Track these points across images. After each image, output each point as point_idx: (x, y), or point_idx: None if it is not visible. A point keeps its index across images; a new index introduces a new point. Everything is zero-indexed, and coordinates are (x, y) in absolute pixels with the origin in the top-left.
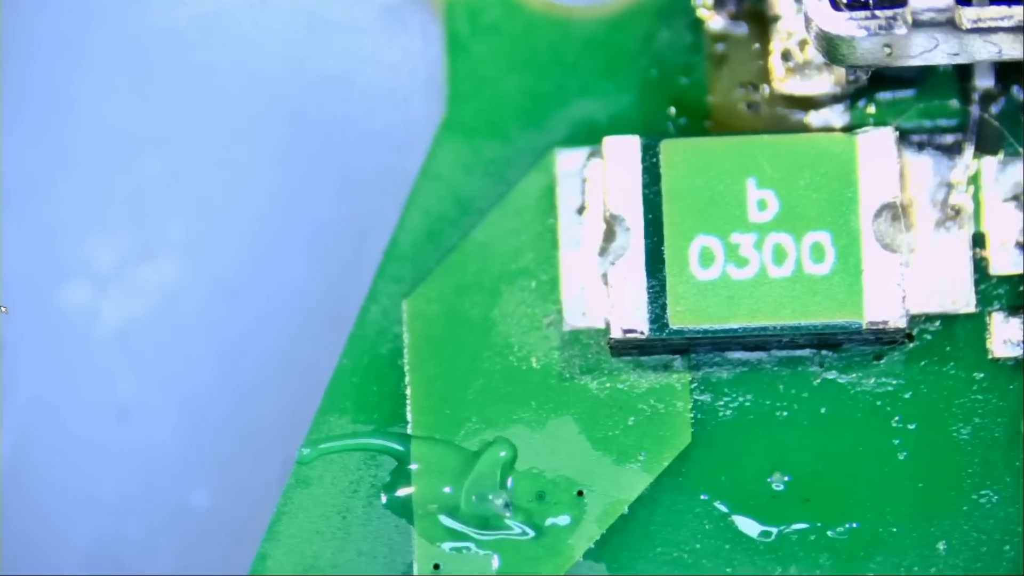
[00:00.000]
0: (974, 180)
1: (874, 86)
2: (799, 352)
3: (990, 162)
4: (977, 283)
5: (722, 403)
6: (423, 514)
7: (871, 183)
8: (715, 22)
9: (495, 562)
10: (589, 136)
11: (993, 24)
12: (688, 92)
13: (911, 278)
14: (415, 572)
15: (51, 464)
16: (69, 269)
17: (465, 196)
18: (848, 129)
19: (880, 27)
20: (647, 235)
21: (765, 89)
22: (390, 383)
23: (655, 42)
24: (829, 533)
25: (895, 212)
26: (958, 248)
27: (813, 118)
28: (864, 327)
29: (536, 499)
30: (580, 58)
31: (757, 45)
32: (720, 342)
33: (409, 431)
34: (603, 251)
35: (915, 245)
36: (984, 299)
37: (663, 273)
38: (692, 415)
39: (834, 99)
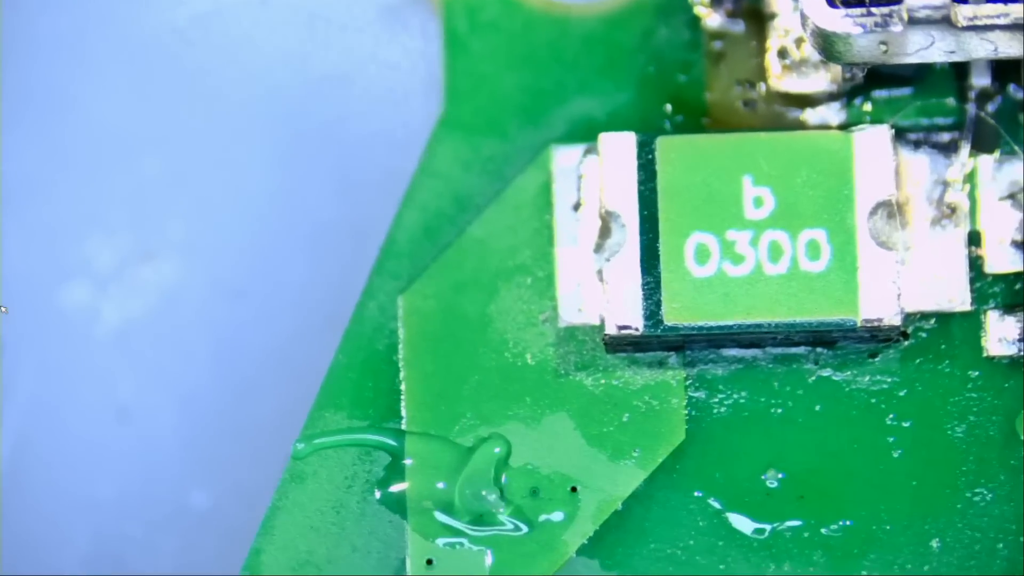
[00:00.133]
0: (970, 178)
1: (870, 84)
2: (794, 349)
3: (986, 160)
4: (973, 281)
5: (717, 400)
6: (417, 510)
7: (867, 181)
8: (712, 20)
9: (488, 558)
10: (587, 133)
11: (989, 21)
12: (686, 89)
13: (907, 276)
14: (408, 567)
15: (51, 464)
16: (69, 269)
17: (463, 193)
18: (844, 127)
19: (876, 24)
20: (643, 232)
21: (762, 86)
22: (385, 379)
23: (653, 39)
24: (823, 531)
25: (891, 210)
26: (954, 246)
27: (809, 116)
28: (859, 325)
29: (530, 495)
30: (578, 55)
31: (754, 43)
32: (715, 339)
33: (404, 427)
34: (599, 248)
35: (911, 243)
36: (980, 297)
37: (658, 270)
38: (687, 412)
39: (830, 97)
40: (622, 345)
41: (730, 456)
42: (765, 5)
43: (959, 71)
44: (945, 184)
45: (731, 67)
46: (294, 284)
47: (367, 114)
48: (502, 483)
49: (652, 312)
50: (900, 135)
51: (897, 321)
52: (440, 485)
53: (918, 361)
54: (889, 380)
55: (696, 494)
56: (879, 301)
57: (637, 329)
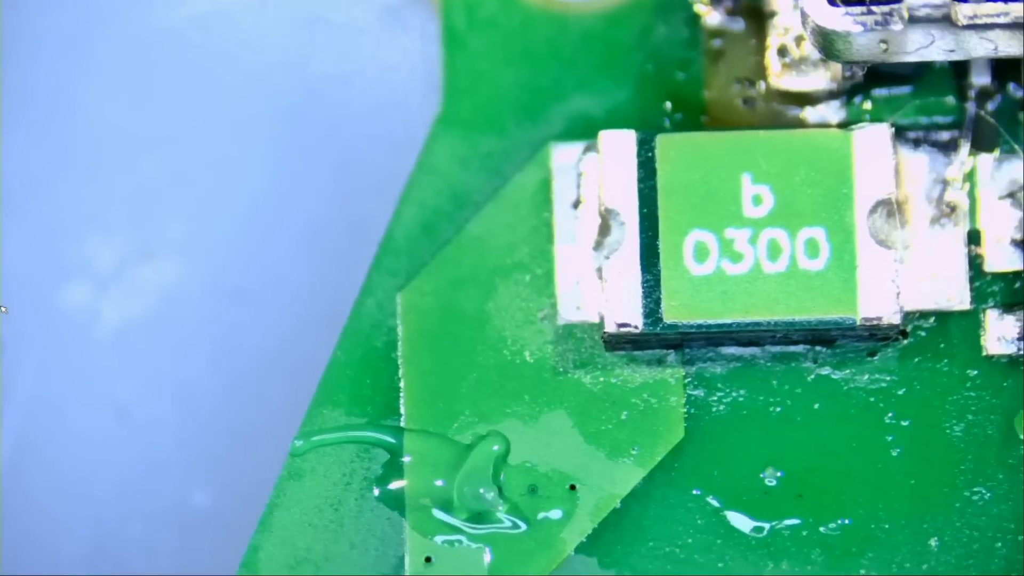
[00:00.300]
0: (970, 177)
1: (870, 82)
2: (793, 348)
3: (986, 159)
4: (972, 280)
5: (715, 398)
6: (415, 507)
7: (866, 179)
8: (712, 18)
9: (487, 556)
10: (586, 130)
11: (989, 20)
12: (684, 87)
13: (906, 275)
14: (407, 565)
15: (51, 464)
16: (69, 269)
17: (461, 190)
18: (844, 125)
19: (876, 23)
20: (642, 229)
21: (761, 85)
22: (384, 376)
23: (652, 37)
24: (821, 529)
25: (890, 208)
26: (953, 245)
27: (809, 114)
28: (858, 323)
29: (528, 493)
30: (577, 53)
31: (754, 41)
32: (714, 337)
33: (402, 424)
34: (598, 245)
35: (910, 242)
36: (979, 296)
37: (658, 268)
38: (685, 410)
39: (830, 95)
40: (621, 343)
41: (729, 454)
42: (765, 3)
43: (959, 70)
44: (944, 183)
45: (730, 65)
46: (293, 283)
47: (366, 115)
48: (500, 481)
49: (651, 310)
50: (900, 133)
51: (896, 320)
52: (438, 483)
53: (917, 360)
54: (888, 379)
55: (695, 492)
56: (878, 300)
57: (636, 327)
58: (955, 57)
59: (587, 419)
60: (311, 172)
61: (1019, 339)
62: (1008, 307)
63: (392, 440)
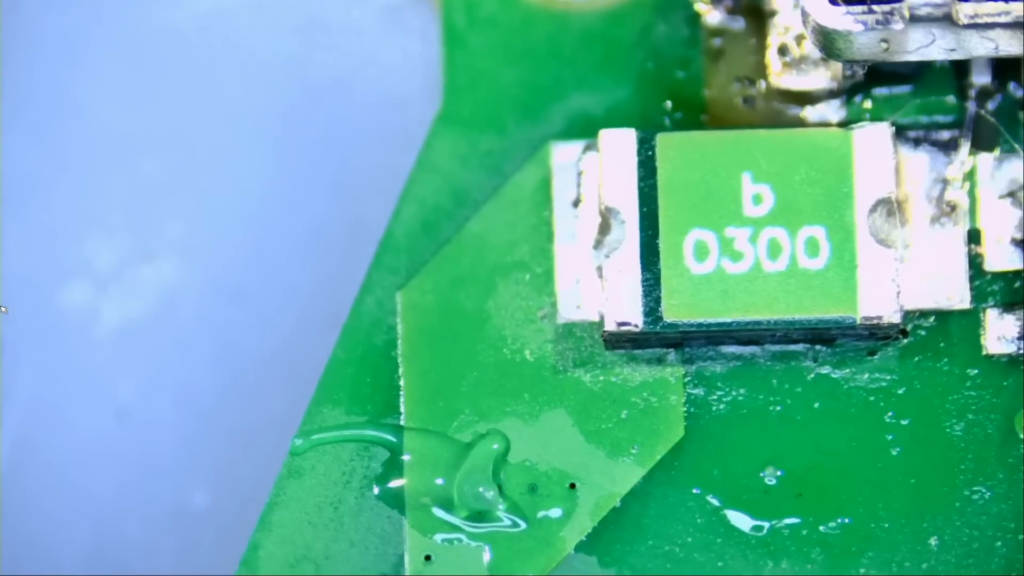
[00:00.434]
0: (970, 176)
1: (870, 81)
2: (793, 347)
3: (986, 158)
4: (972, 279)
5: (715, 397)
6: (415, 505)
7: (867, 178)
8: (712, 16)
9: (486, 554)
10: (586, 129)
11: (990, 20)
12: (685, 86)
13: (906, 274)
14: (407, 563)
15: (51, 464)
16: (69, 269)
17: (461, 188)
18: (844, 124)
19: (877, 22)
20: (642, 228)
21: (761, 84)
22: (384, 374)
23: (652, 36)
24: (821, 528)
25: (890, 208)
26: (953, 244)
27: (809, 113)
28: (858, 322)
29: (528, 491)
30: (577, 51)
31: (754, 40)
32: (714, 336)
33: (402, 422)
34: (598, 244)
35: (910, 241)
36: (979, 295)
37: (658, 266)
38: (685, 409)
39: (830, 94)
40: (621, 342)
41: (728, 453)
42: (765, 2)
43: (959, 69)
44: (945, 182)
45: (731, 64)
46: (293, 282)
47: (367, 116)
48: (500, 479)
49: (651, 309)
50: (900, 133)
51: (896, 319)
52: (438, 481)
53: (917, 359)
54: (888, 378)
55: (694, 491)
56: (878, 299)
57: (636, 326)
58: (956, 56)
59: (587, 418)
60: (311, 171)
61: (1019, 338)
62: (1008, 306)
63: (392, 438)
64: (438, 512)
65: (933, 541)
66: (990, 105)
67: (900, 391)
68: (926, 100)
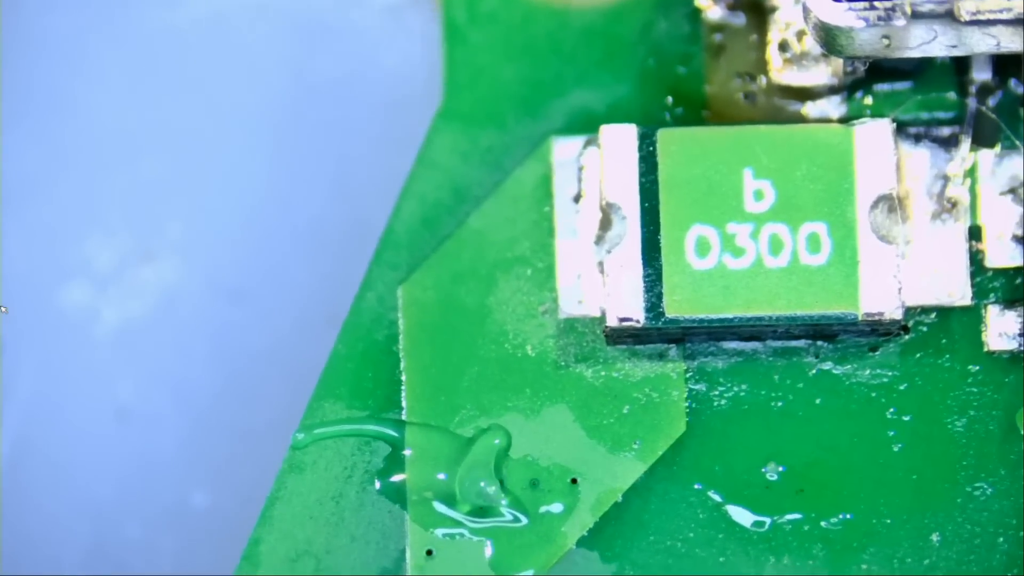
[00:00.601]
0: (971, 173)
1: (872, 78)
2: (794, 343)
3: (987, 155)
4: (973, 276)
5: (717, 393)
6: (416, 500)
7: (868, 174)
8: (713, 12)
9: (488, 549)
10: (586, 125)
11: (992, 16)
12: (686, 82)
13: (907, 270)
14: (408, 558)
15: (51, 464)
16: (69, 269)
17: (462, 184)
18: (845, 120)
19: (879, 18)
20: (643, 224)
21: (762, 79)
22: (385, 369)
23: (653, 32)
24: (823, 524)
25: (891, 204)
26: (954, 241)
27: (810, 109)
28: (860, 318)
29: (530, 487)
30: (578, 47)
31: (755, 35)
32: (716, 332)
33: (403, 417)
34: (599, 240)
35: (911, 237)
36: (980, 292)
37: (659, 262)
38: (687, 404)
39: (831, 90)
40: (622, 337)
41: (730, 449)
42: None
43: (960, 65)
44: (946, 178)
45: (731, 60)
46: (292, 282)
47: (367, 116)
48: (502, 474)
49: (653, 304)
50: (901, 129)
51: (898, 315)
52: (440, 476)
53: (918, 355)
54: (889, 374)
55: (696, 487)
56: (880, 295)
57: (638, 321)
58: (957, 53)
59: (588, 413)
60: (311, 167)
61: (1020, 335)
62: (1009, 303)
63: (393, 433)
64: (439, 507)
65: (935, 537)
66: (991, 101)
67: (901, 387)
68: (927, 96)
